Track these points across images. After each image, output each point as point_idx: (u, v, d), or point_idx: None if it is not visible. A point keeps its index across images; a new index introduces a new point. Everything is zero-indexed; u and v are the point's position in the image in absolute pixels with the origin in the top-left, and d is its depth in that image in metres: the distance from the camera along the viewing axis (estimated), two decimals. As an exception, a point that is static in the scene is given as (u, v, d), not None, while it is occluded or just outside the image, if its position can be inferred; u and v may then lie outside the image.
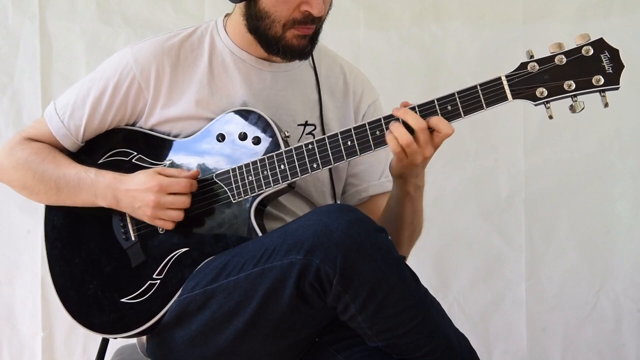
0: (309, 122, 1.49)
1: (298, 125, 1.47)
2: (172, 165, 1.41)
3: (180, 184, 1.33)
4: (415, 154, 1.26)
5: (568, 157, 2.35)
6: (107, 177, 1.39)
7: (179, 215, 1.34)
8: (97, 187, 1.39)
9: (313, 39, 1.39)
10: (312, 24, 1.36)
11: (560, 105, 1.25)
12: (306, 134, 1.48)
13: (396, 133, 1.25)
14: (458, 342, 1.22)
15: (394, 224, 1.43)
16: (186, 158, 1.41)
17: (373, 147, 1.29)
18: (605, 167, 2.35)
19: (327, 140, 1.30)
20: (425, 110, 1.26)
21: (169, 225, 1.35)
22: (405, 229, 1.44)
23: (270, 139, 1.35)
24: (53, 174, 1.42)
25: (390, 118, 1.28)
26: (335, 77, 1.54)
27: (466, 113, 1.24)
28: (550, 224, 2.37)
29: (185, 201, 1.34)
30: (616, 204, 2.37)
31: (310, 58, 1.49)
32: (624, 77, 1.21)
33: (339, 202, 1.55)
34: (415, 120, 1.24)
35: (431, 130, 1.26)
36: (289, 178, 1.32)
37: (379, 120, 1.28)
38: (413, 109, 1.26)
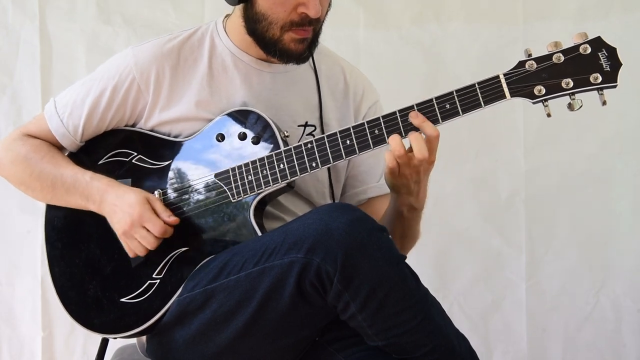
0: (309, 123, 1.48)
1: (298, 126, 1.47)
2: (172, 165, 1.41)
3: (155, 225, 1.32)
4: (405, 165, 1.27)
5: (568, 158, 2.35)
6: (102, 183, 1.39)
7: (141, 251, 1.35)
8: (90, 191, 1.39)
9: (311, 43, 1.40)
10: (310, 26, 1.35)
11: (560, 106, 1.25)
12: (306, 135, 1.48)
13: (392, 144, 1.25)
14: (458, 342, 1.22)
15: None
16: (186, 158, 1.41)
17: (372, 146, 1.28)
18: (605, 167, 2.35)
19: (326, 140, 1.30)
20: (424, 110, 1.26)
21: (131, 254, 1.36)
22: (394, 240, 1.44)
23: (270, 138, 1.35)
24: (50, 172, 1.43)
25: (389, 117, 1.28)
26: (336, 78, 1.54)
27: (464, 111, 1.24)
28: (550, 224, 2.37)
29: (151, 242, 1.33)
30: (616, 204, 2.37)
31: (311, 59, 1.49)
32: (624, 77, 1.20)
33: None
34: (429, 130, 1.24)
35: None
36: (288, 177, 1.32)
37: (378, 119, 1.28)
38: (411, 107, 1.26)
